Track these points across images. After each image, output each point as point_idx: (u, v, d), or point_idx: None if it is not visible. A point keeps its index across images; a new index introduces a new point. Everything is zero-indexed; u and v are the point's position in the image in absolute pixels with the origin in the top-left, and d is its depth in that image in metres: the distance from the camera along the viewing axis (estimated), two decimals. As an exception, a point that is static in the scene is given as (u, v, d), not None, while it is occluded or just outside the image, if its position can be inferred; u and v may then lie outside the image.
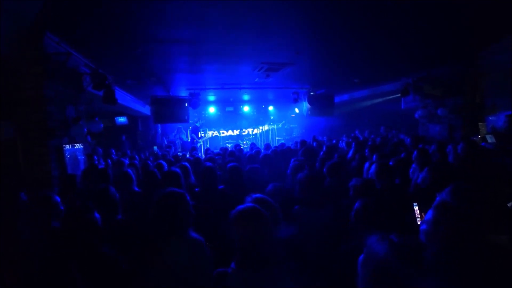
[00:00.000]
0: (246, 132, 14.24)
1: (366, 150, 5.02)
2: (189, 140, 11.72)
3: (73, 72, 4.82)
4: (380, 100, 10.81)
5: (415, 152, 3.89)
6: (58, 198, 2.26)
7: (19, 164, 3.87)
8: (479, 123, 6.64)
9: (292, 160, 3.74)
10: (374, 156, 4.39)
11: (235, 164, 3.81)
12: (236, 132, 14.10)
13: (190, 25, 3.96)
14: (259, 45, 4.96)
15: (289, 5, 3.49)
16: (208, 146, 12.47)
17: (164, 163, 4.96)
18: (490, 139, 5.92)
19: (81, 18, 3.60)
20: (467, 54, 6.15)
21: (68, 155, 4.54)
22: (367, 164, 3.61)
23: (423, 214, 2.35)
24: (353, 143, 6.31)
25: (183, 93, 9.12)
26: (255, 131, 14.16)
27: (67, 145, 4.60)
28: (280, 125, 14.11)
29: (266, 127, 13.76)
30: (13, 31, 3.56)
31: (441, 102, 7.18)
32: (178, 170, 3.29)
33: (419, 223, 2.29)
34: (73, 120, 4.50)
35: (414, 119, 8.39)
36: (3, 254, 2.05)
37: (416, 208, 2.47)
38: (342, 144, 7.08)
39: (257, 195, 2.20)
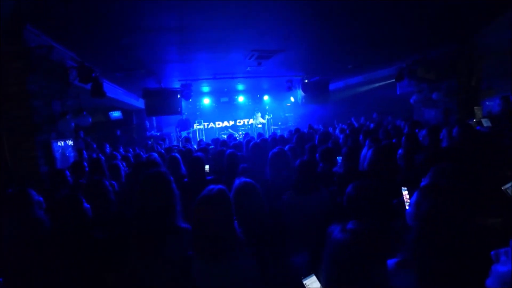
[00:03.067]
0: (242, 123, 14.16)
1: (361, 136, 4.97)
2: (179, 134, 11.62)
3: (58, 66, 4.71)
4: (375, 85, 10.73)
5: (403, 138, 3.83)
6: (33, 192, 2.22)
7: (6, 160, 3.83)
8: (475, 107, 6.58)
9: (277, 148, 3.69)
10: (367, 142, 4.34)
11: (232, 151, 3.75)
12: (232, 122, 14.03)
13: (173, 11, 3.84)
14: (247, 31, 4.82)
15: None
16: (203, 137, 12.44)
17: (155, 155, 4.93)
18: (485, 123, 5.87)
19: (60, 8, 3.47)
20: (461, 34, 6.04)
21: (58, 150, 4.49)
22: (364, 150, 3.54)
23: (412, 198, 2.32)
24: (347, 130, 6.26)
25: (176, 84, 9.01)
26: (251, 121, 14.08)
27: (60, 141, 4.55)
28: (270, 116, 14.02)
29: (259, 119, 13.68)
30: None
31: (436, 86, 7.11)
32: (156, 157, 3.25)
33: (407, 207, 2.27)
34: (59, 115, 4.42)
35: (411, 104, 8.32)
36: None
37: (405, 192, 2.43)
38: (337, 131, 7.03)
39: (245, 179, 2.15)
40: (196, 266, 1.55)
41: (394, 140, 4.63)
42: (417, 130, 5.27)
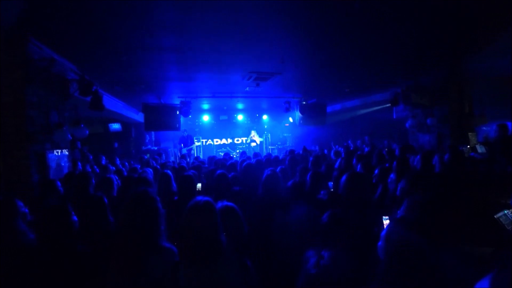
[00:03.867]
0: (240, 141, 14.22)
1: (354, 160, 4.98)
2: (178, 150, 11.66)
3: (59, 77, 4.81)
4: (372, 109, 10.87)
5: (395, 162, 3.85)
6: (20, 203, 2.22)
7: (-1, 168, 3.84)
8: (469, 133, 6.64)
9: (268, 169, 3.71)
10: (359, 166, 4.35)
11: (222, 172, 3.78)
12: (230, 140, 14.11)
13: (172, 32, 4.00)
14: (244, 54, 4.99)
15: (269, 14, 3.53)
16: (200, 154, 12.46)
17: (150, 170, 4.93)
18: (480, 149, 5.89)
19: (65, 24, 3.61)
20: (450, 61, 6.19)
21: (53, 160, 4.51)
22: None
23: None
24: (343, 153, 6.28)
25: (175, 101, 9.13)
26: (249, 139, 14.16)
27: (55, 151, 4.57)
28: (269, 135, 14.12)
29: (254, 137, 13.80)
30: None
31: (430, 111, 7.21)
32: (150, 172, 3.27)
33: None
34: (55, 126, 4.46)
35: (407, 128, 8.41)
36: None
37: (387, 221, 2.37)
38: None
39: (226, 203, 2.21)
40: (182, 273, 1.62)
41: (387, 165, 4.64)
42: (411, 155, 5.29)
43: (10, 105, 3.83)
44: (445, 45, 5.15)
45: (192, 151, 11.30)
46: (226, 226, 1.88)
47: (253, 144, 13.71)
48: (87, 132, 5.35)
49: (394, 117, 9.26)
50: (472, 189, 3.17)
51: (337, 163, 5.21)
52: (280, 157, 6.56)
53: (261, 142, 13.95)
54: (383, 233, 1.47)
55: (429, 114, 7.11)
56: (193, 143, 12.13)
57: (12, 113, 3.83)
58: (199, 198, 1.78)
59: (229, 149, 13.17)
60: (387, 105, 9.21)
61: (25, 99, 3.90)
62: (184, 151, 10.87)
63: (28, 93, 3.97)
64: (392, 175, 3.31)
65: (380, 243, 1.47)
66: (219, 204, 2.15)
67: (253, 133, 13.87)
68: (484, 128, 9.30)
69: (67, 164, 5.00)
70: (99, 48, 4.47)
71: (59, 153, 4.73)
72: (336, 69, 6.41)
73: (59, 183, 3.79)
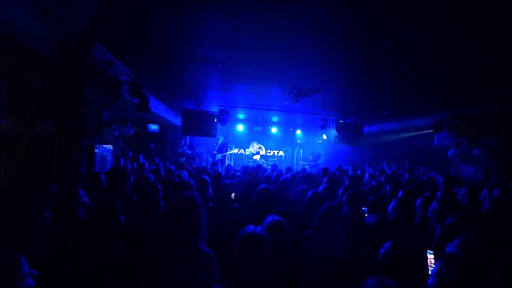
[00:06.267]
0: (272, 153, 14.26)
1: (387, 186, 4.81)
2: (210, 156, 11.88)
3: (113, 79, 5.16)
4: (410, 134, 10.48)
5: (439, 193, 3.67)
6: (82, 192, 2.39)
7: (53, 158, 4.17)
8: (522, 170, 6.15)
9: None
10: (400, 193, 4.18)
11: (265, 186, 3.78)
12: (262, 152, 14.19)
13: (221, 47, 4.18)
14: (288, 71, 5.07)
15: (315, 37, 3.60)
16: (231, 162, 12.62)
17: (185, 173, 5.09)
18: (532, 187, 5.44)
19: (126, 31, 3.90)
20: (502, 93, 5.83)
21: (99, 154, 4.82)
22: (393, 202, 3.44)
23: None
24: (382, 177, 6.09)
25: (214, 108, 9.40)
26: (280, 153, 14.16)
27: (102, 146, 4.89)
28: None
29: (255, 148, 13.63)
30: (63, 39, 3.93)
31: (476, 142, 6.80)
32: (186, 175, 3.36)
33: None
34: (106, 123, 4.77)
35: (446, 157, 7.99)
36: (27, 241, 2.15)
37: (431, 256, 2.27)
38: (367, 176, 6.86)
39: (277, 218, 2.18)
40: None
41: (427, 194, 4.42)
42: (455, 187, 5.00)
43: (69, 102, 4.17)
44: (499, 79, 4.90)
45: (227, 158, 11.47)
46: (275, 243, 1.85)
47: (256, 157, 13.41)
48: (132, 131, 5.66)
49: (435, 144, 8.86)
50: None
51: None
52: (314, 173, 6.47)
53: (261, 154, 13.67)
54: (434, 269, 1.41)
55: (476, 145, 6.70)
56: (227, 150, 12.31)
57: (70, 110, 4.16)
58: (251, 228, 1.76)
59: (263, 161, 13.24)
60: (427, 131, 8.85)
61: (84, 98, 4.22)
62: (219, 156, 11.06)
63: (86, 92, 4.30)
64: (434, 204, 3.16)
65: (430, 280, 1.42)
66: (269, 219, 2.11)
67: (255, 145, 13.66)
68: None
69: (109, 159, 5.31)
70: (152, 55, 4.75)
71: (104, 148, 5.04)
72: (377, 92, 6.30)
73: (103, 176, 4.05)
